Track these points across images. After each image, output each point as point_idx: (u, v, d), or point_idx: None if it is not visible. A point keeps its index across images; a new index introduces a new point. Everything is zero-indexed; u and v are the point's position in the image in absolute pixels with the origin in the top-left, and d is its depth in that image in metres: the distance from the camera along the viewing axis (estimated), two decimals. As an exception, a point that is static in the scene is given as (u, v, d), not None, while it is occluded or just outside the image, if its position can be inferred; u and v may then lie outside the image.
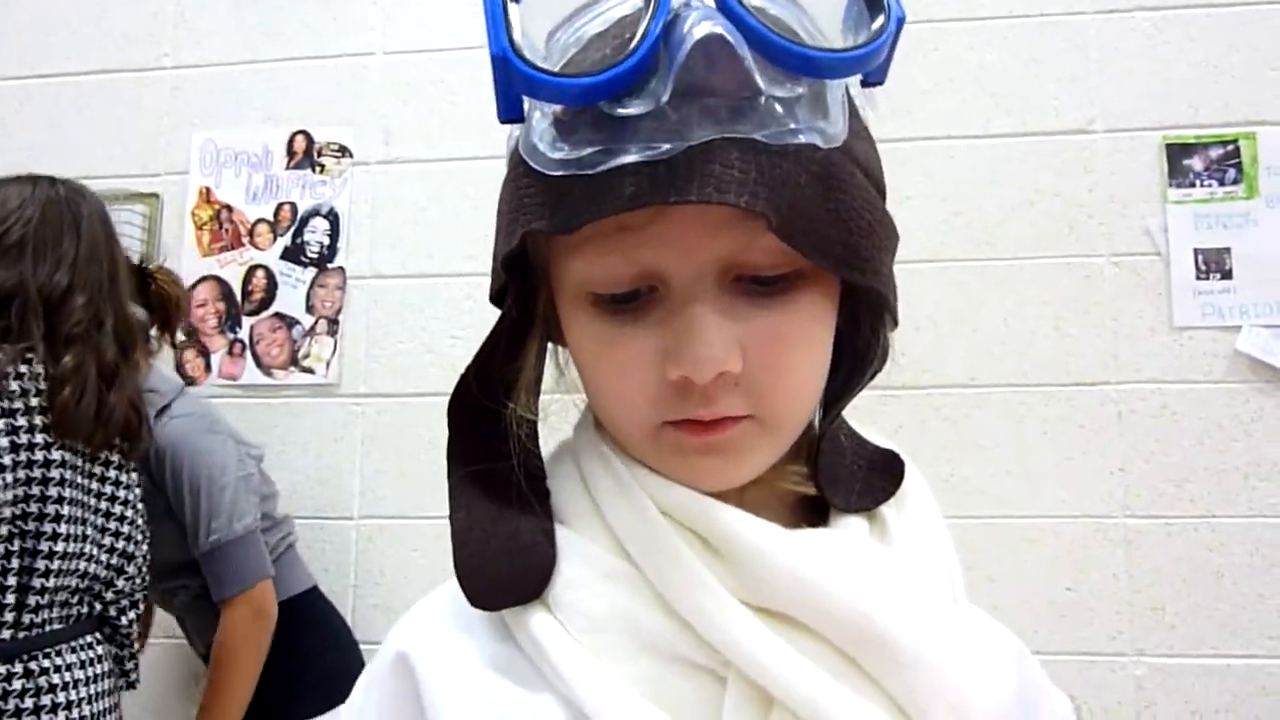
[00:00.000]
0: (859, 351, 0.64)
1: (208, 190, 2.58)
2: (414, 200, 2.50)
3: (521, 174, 0.57)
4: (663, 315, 0.56)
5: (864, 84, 0.58)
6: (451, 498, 0.65)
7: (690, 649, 0.56)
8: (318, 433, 2.45)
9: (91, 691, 1.63)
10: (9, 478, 1.53)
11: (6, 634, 1.54)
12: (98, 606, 1.70)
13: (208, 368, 2.50)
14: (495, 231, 0.62)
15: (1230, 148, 2.25)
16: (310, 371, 2.48)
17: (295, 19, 2.62)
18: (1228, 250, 2.22)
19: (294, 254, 2.53)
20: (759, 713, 0.54)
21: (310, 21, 2.61)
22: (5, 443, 1.54)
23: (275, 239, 2.54)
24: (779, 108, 0.52)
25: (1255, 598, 2.12)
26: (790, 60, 0.51)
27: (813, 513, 0.64)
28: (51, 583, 1.59)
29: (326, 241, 2.52)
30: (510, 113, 0.55)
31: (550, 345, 0.67)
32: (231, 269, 2.54)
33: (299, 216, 2.54)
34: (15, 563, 1.55)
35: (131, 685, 1.77)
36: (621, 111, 0.51)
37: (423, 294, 2.45)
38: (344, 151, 2.55)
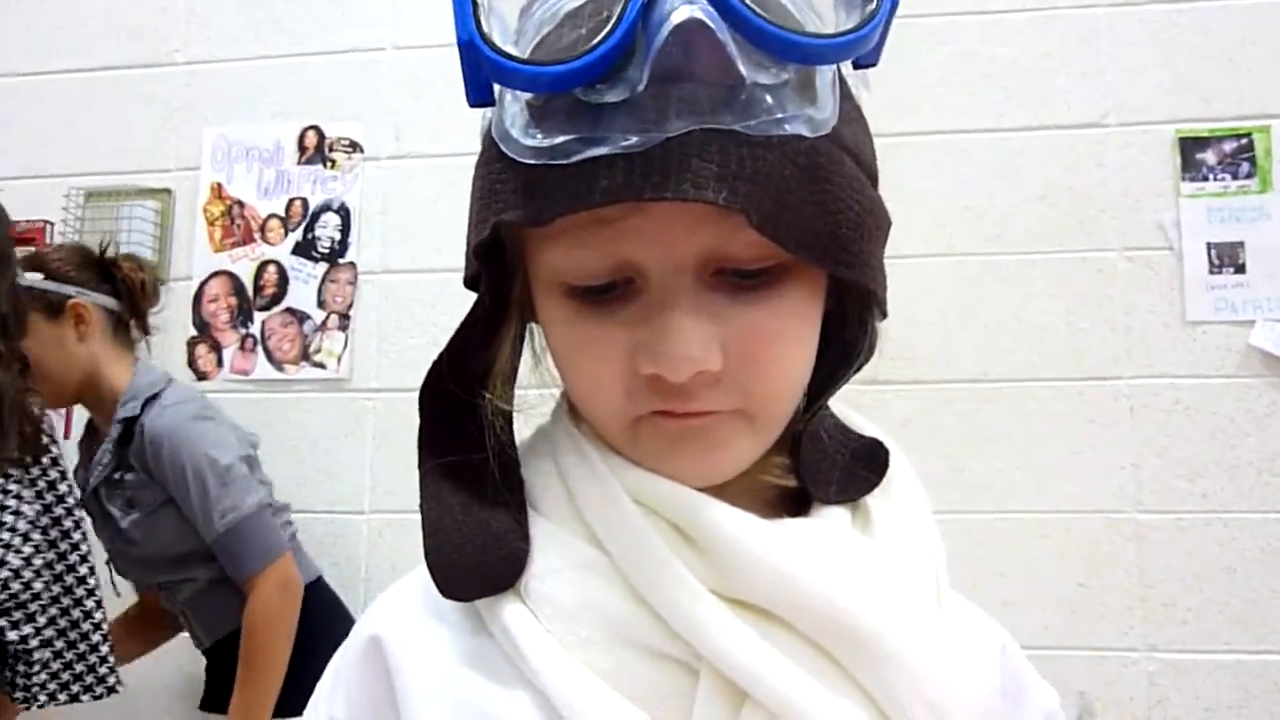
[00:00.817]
0: (846, 342, 0.62)
1: (219, 186, 2.59)
2: (425, 195, 2.50)
3: (494, 158, 0.55)
4: (639, 308, 0.54)
5: (856, 66, 0.56)
6: (422, 488, 0.64)
7: (662, 641, 0.54)
8: (329, 427, 2.45)
9: None
10: None
11: None
12: None
13: (219, 363, 2.51)
14: (468, 216, 0.59)
15: (1244, 141, 2.24)
16: (322, 366, 2.48)
17: (306, 14, 2.62)
18: (1241, 244, 2.21)
19: (305, 249, 2.53)
20: (731, 706, 0.53)
21: (321, 16, 2.61)
22: None
23: (287, 234, 2.54)
24: (763, 95, 0.50)
25: (1268, 593, 2.11)
26: (776, 45, 0.49)
27: (794, 505, 0.62)
28: None
29: (338, 237, 2.52)
30: (480, 97, 0.53)
31: (529, 332, 0.65)
32: (243, 264, 2.55)
33: (310, 212, 2.54)
34: None
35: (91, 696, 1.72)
36: (596, 99, 0.49)
37: (433, 289, 2.45)
38: (355, 147, 2.55)
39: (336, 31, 2.60)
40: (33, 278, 1.93)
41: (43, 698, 1.67)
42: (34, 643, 1.67)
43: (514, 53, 0.50)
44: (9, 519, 1.66)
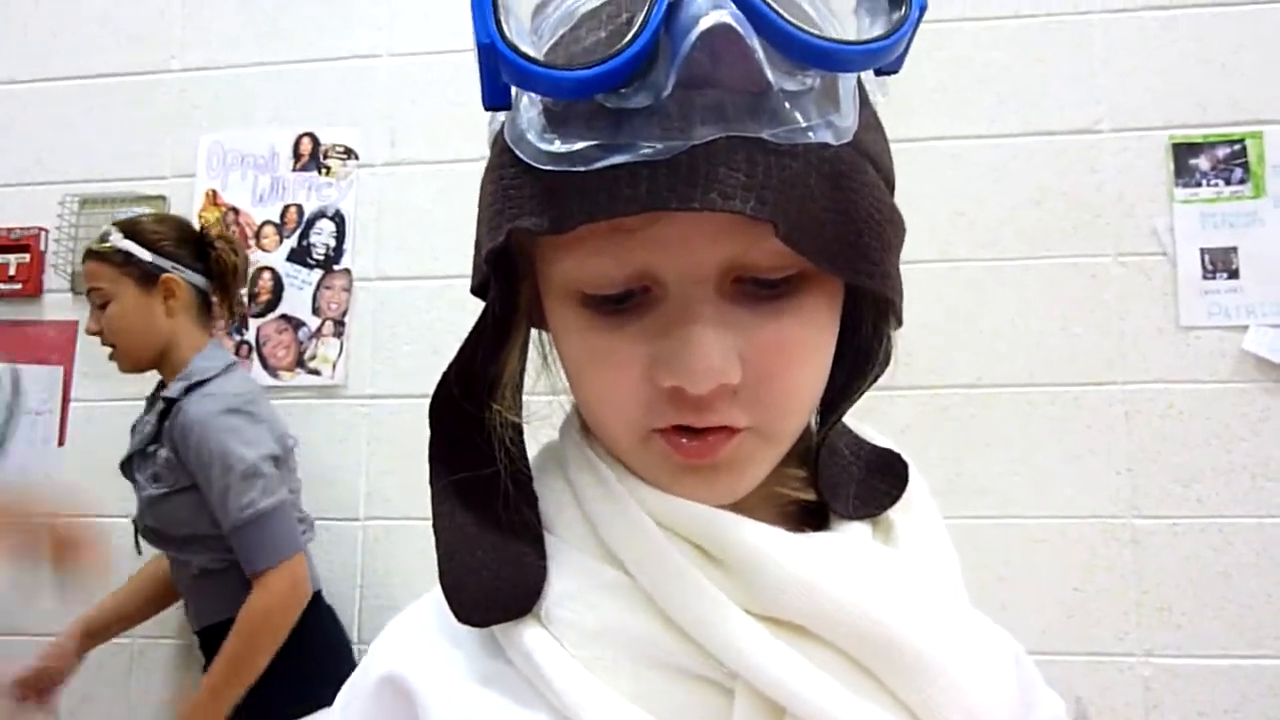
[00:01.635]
0: (860, 351, 0.61)
1: (214, 192, 2.58)
2: (420, 202, 2.50)
3: (507, 163, 0.53)
4: (657, 318, 0.53)
5: (878, 73, 0.55)
6: (435, 505, 0.62)
7: (693, 661, 0.53)
8: (324, 434, 2.45)
9: None
10: None
11: None
12: None
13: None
14: (477, 222, 0.58)
15: (1237, 147, 2.24)
16: (316, 373, 2.48)
17: (301, 20, 2.62)
18: (1234, 250, 2.22)
19: (300, 256, 2.53)
20: None
21: (316, 23, 2.61)
22: None
23: (281, 241, 2.54)
24: (789, 103, 0.48)
25: (1263, 598, 2.12)
26: (805, 52, 0.48)
27: (810, 518, 0.62)
28: None
29: (332, 243, 2.52)
30: (496, 100, 0.52)
31: (536, 338, 0.64)
32: (238, 271, 2.55)
33: (305, 218, 2.54)
34: None
35: None
36: (618, 105, 0.48)
37: (428, 296, 2.45)
38: (350, 153, 2.55)
39: (332, 38, 2.60)
40: (131, 246, 2.06)
41: None
42: None
43: (535, 55, 0.48)
44: None
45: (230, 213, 2.57)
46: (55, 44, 2.72)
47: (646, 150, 0.47)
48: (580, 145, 0.48)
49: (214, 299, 2.18)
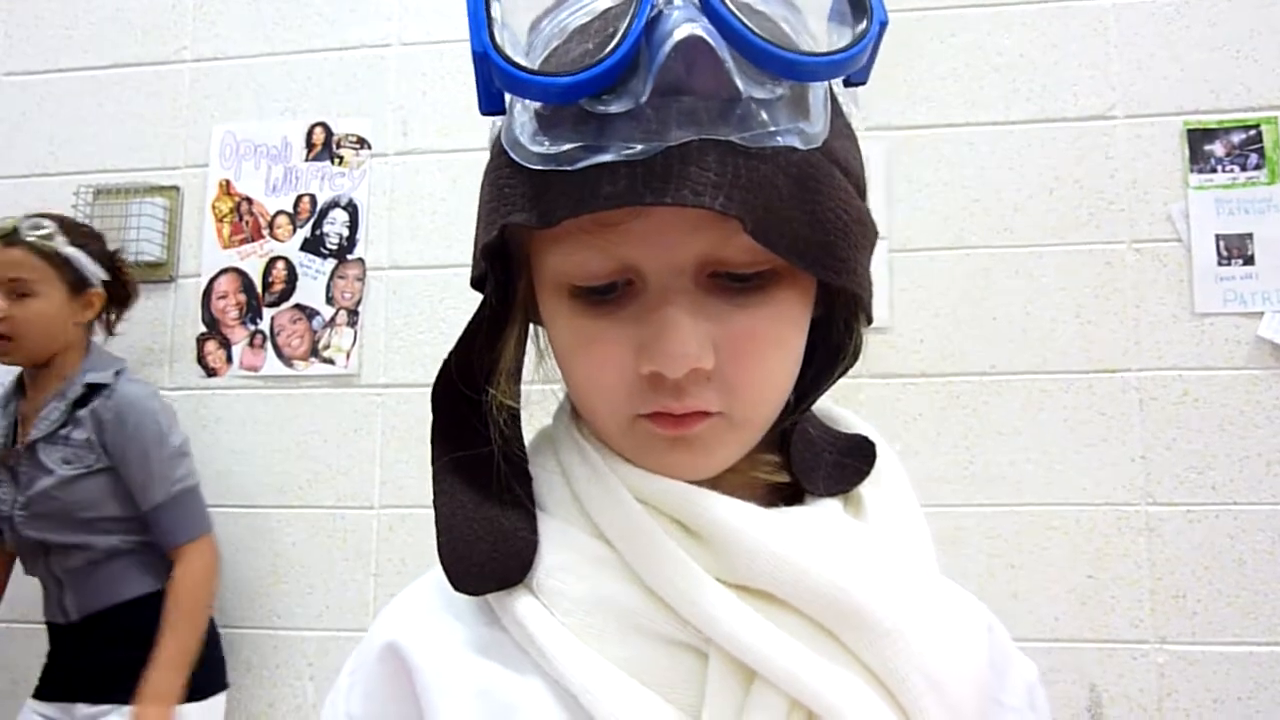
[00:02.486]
0: (832, 346, 0.65)
1: (228, 183, 2.59)
2: (432, 191, 2.51)
3: (503, 164, 0.57)
4: (639, 309, 0.57)
5: (847, 84, 0.59)
6: (435, 483, 0.66)
7: (672, 628, 0.57)
8: (339, 423, 2.46)
9: None
10: None
11: None
12: None
13: (229, 359, 2.51)
14: (476, 219, 0.62)
15: (1252, 132, 2.23)
16: (331, 362, 2.49)
17: (313, 10, 2.63)
18: (1250, 236, 2.21)
19: (313, 245, 2.54)
20: (741, 686, 0.56)
21: (328, 13, 2.62)
22: None
23: (295, 231, 2.55)
24: (759, 109, 0.52)
25: (1278, 584, 2.11)
26: (771, 63, 0.51)
27: (785, 500, 0.65)
28: None
29: (346, 233, 2.53)
30: (491, 106, 0.56)
31: (532, 331, 0.68)
32: (252, 261, 2.56)
33: (318, 208, 2.55)
34: None
35: None
36: (601, 109, 0.52)
37: (441, 284, 2.46)
38: (362, 143, 2.55)
39: (344, 28, 2.61)
40: (76, 254, 2.14)
41: None
42: None
43: (525, 64, 0.52)
44: None
45: (244, 203, 2.58)
46: (68, 36, 2.73)
47: (626, 151, 0.51)
48: (567, 146, 0.52)
49: (109, 315, 2.28)
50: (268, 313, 2.53)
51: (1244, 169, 2.22)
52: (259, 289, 2.54)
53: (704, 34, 0.50)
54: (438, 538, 0.64)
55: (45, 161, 2.68)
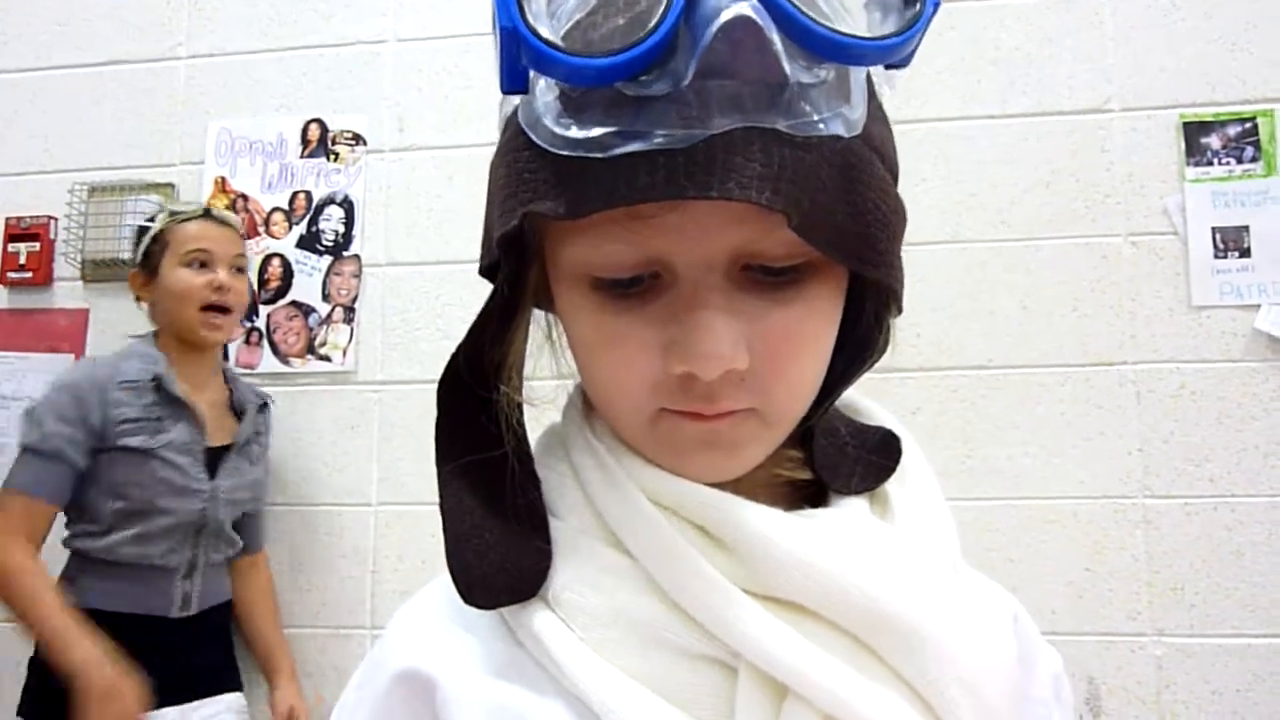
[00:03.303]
0: (860, 337, 0.62)
1: (223, 180, 2.59)
2: (428, 187, 2.50)
3: (521, 146, 0.53)
4: (667, 304, 0.54)
5: (888, 67, 0.55)
6: (441, 487, 0.63)
7: (698, 642, 0.54)
8: (335, 420, 2.46)
9: None
10: None
11: None
12: None
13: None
14: (488, 204, 0.58)
15: (1248, 125, 2.23)
16: (327, 359, 2.48)
17: (308, 7, 2.62)
18: (1246, 228, 2.21)
19: (309, 242, 2.53)
20: (772, 702, 0.53)
21: (323, 9, 2.61)
22: None
23: (291, 227, 2.55)
24: (804, 96, 0.49)
25: (1275, 577, 2.12)
26: (822, 46, 0.48)
27: (807, 497, 0.63)
28: None
29: (342, 230, 2.52)
30: (515, 84, 0.52)
31: (544, 319, 0.65)
32: (247, 258, 2.55)
33: (314, 205, 2.54)
34: None
35: None
36: (637, 92, 0.48)
37: (438, 281, 2.45)
38: (358, 139, 2.55)
39: (339, 24, 2.60)
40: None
41: None
42: None
43: (556, 41, 0.48)
44: None
45: (239, 199, 2.57)
46: (62, 32, 2.72)
47: (664, 138, 0.48)
48: (598, 131, 0.49)
49: None
50: (264, 310, 2.53)
51: (1240, 161, 2.22)
52: (255, 286, 2.54)
53: (753, 13, 0.47)
54: (446, 548, 0.60)
55: (40, 159, 2.67)
